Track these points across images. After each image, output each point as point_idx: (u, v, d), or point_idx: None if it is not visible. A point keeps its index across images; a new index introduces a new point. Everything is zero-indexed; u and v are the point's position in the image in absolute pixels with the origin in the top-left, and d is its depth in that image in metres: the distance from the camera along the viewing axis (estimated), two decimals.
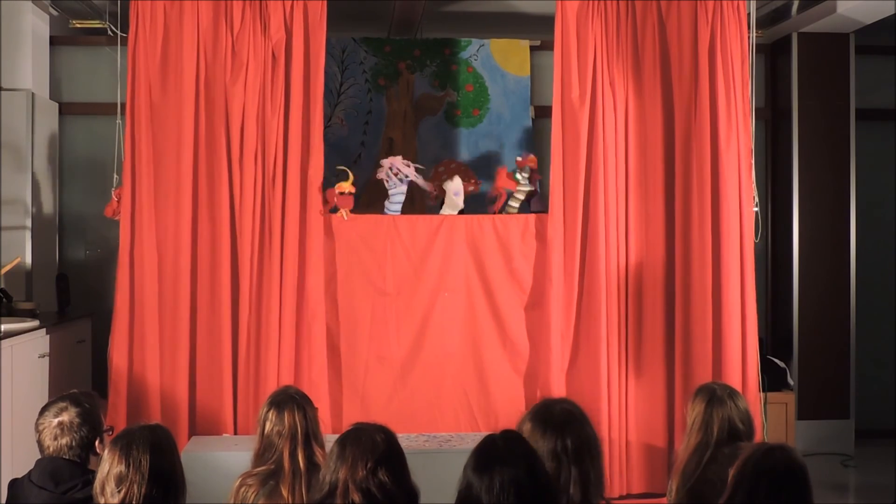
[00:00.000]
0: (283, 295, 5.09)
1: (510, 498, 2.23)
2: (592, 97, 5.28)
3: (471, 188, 5.58)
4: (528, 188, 5.40)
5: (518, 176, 5.40)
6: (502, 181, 5.44)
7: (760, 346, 5.40)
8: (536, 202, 5.53)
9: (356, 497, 2.40)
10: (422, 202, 6.17)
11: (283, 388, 3.34)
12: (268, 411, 3.17)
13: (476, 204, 5.63)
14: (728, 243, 5.21)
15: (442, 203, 5.45)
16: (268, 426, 3.14)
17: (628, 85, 5.34)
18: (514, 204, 5.39)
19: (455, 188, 5.40)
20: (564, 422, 2.61)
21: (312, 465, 3.09)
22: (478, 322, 5.28)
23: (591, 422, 2.69)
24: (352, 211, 5.25)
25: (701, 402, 3.31)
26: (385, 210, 5.33)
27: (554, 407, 2.68)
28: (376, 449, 2.47)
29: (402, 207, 5.41)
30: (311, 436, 3.15)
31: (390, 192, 5.34)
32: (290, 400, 3.19)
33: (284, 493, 3.03)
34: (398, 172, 5.27)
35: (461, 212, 5.43)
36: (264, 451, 3.14)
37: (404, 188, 5.33)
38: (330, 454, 2.52)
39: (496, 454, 2.31)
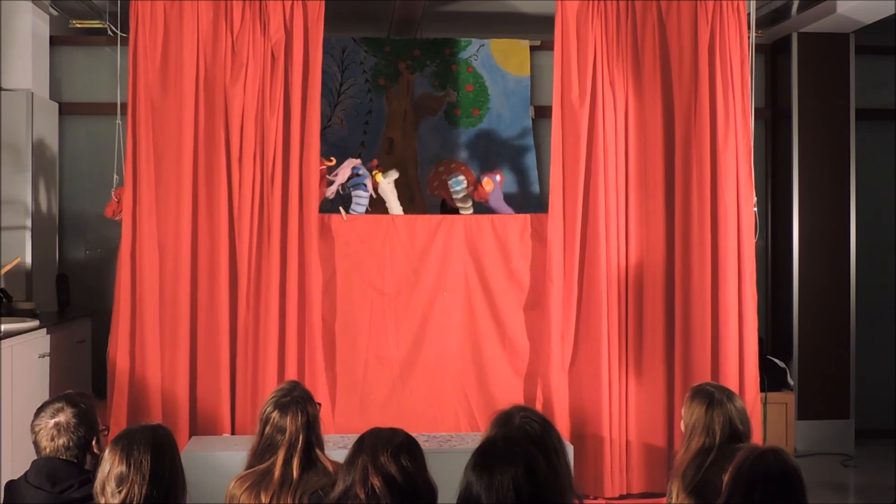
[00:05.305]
0: (285, 295, 5.09)
1: (509, 497, 2.21)
2: (592, 97, 5.28)
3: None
4: (462, 195, 5.41)
5: (451, 181, 5.47)
6: (445, 192, 5.59)
7: (760, 345, 5.39)
8: (498, 202, 5.49)
9: (376, 481, 2.33)
10: (422, 201, 6.18)
11: (289, 386, 3.25)
12: (271, 412, 3.11)
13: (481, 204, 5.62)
14: (726, 243, 5.21)
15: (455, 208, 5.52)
16: (268, 429, 3.09)
17: (628, 85, 5.34)
18: (464, 212, 5.41)
19: (455, 185, 5.42)
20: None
21: (308, 471, 3.05)
22: (477, 322, 5.28)
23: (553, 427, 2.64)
24: (350, 211, 5.26)
25: (700, 405, 3.30)
26: (350, 210, 5.30)
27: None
28: (396, 437, 2.44)
29: (403, 207, 5.42)
30: (312, 443, 3.09)
31: (353, 192, 5.32)
32: (295, 403, 3.11)
33: (264, 498, 2.99)
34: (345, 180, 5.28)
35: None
36: (263, 452, 3.09)
37: (366, 192, 5.32)
38: (347, 455, 2.47)
39: (495, 454, 2.29)
